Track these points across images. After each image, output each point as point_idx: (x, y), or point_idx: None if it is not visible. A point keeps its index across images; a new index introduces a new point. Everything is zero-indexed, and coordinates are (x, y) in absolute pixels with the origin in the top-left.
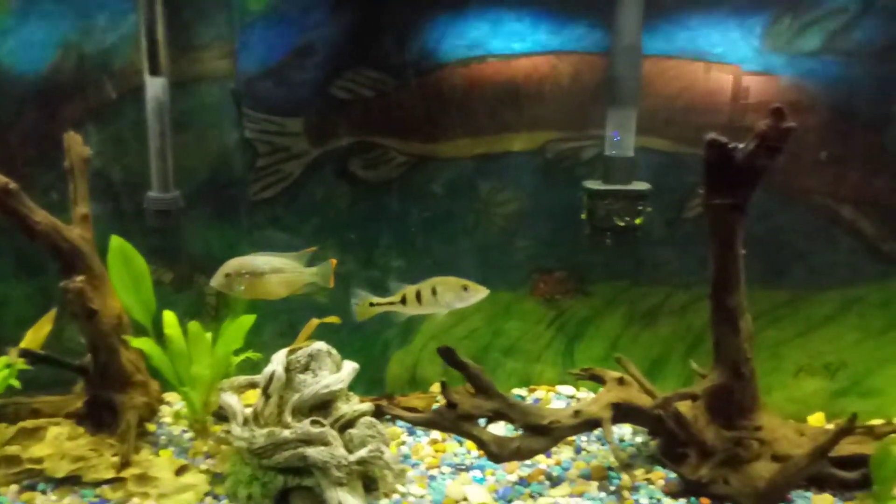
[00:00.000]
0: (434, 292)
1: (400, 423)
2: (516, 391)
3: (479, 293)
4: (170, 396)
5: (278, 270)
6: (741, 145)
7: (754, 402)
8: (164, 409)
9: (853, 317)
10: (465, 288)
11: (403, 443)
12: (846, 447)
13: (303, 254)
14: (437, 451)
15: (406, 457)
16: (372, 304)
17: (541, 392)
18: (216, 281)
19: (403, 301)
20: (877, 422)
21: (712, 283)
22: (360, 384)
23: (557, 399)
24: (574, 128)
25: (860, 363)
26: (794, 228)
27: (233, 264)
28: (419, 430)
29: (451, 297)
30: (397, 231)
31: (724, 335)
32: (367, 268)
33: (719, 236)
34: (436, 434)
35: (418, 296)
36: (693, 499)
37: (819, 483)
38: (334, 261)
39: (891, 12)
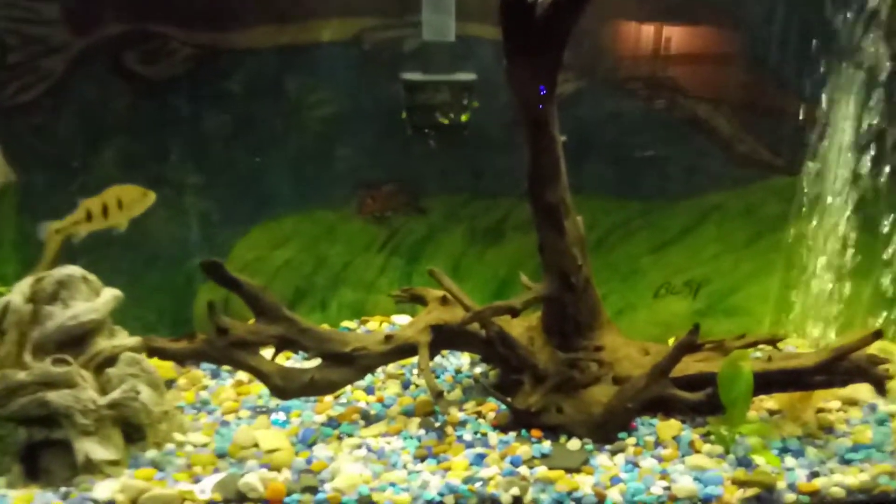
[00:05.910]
0: (120, 204)
1: (204, 365)
2: (345, 324)
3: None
4: None
5: None
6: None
7: (594, 318)
8: None
9: (712, 227)
10: (145, 194)
11: (205, 387)
12: (693, 365)
13: None
14: (239, 394)
15: (205, 402)
16: (57, 231)
17: (373, 324)
18: None
19: (89, 217)
20: None
21: (528, 175)
22: (163, 325)
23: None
24: (393, 13)
25: (723, 280)
26: (646, 130)
27: None
28: (224, 373)
29: (136, 206)
30: (191, 139)
31: (549, 238)
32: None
33: (529, 115)
34: (242, 376)
35: (105, 210)
36: (524, 431)
37: (665, 407)
38: None
39: None
